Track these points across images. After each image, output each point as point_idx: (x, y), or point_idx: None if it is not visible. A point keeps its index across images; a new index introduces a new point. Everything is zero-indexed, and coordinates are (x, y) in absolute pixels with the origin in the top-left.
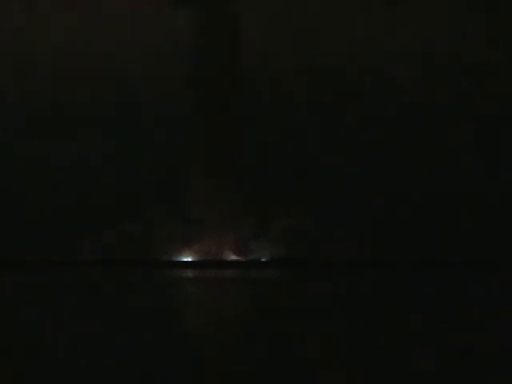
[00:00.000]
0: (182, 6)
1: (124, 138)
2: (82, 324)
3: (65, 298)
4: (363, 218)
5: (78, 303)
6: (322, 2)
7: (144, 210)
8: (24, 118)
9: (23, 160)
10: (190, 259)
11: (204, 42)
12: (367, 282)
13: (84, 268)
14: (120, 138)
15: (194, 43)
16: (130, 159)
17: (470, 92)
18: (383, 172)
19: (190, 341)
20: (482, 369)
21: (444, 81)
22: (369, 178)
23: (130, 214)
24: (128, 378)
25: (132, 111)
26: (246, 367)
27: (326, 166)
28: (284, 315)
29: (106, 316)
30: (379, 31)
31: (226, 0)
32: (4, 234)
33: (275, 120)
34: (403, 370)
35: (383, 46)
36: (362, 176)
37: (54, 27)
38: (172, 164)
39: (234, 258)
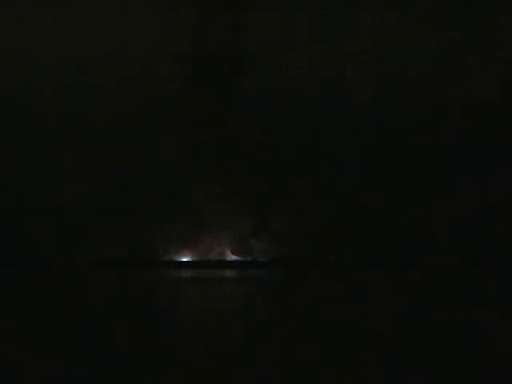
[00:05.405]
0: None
1: (124, 138)
2: (81, 324)
3: (64, 298)
4: (363, 218)
5: (77, 303)
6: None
7: (144, 210)
8: (23, 116)
9: (23, 159)
10: (189, 259)
11: (204, 41)
12: (367, 282)
13: (84, 268)
14: (120, 138)
15: (194, 43)
16: (130, 159)
17: (471, 93)
18: (384, 172)
19: (190, 341)
20: (483, 369)
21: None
22: (369, 177)
23: (130, 214)
24: (128, 378)
25: (132, 111)
26: (246, 367)
27: (327, 165)
28: (284, 315)
29: (106, 316)
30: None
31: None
32: (4, 233)
33: (275, 120)
34: (403, 371)
35: (382, 46)
36: (363, 176)
37: (53, 26)
38: (172, 164)
39: (233, 258)
